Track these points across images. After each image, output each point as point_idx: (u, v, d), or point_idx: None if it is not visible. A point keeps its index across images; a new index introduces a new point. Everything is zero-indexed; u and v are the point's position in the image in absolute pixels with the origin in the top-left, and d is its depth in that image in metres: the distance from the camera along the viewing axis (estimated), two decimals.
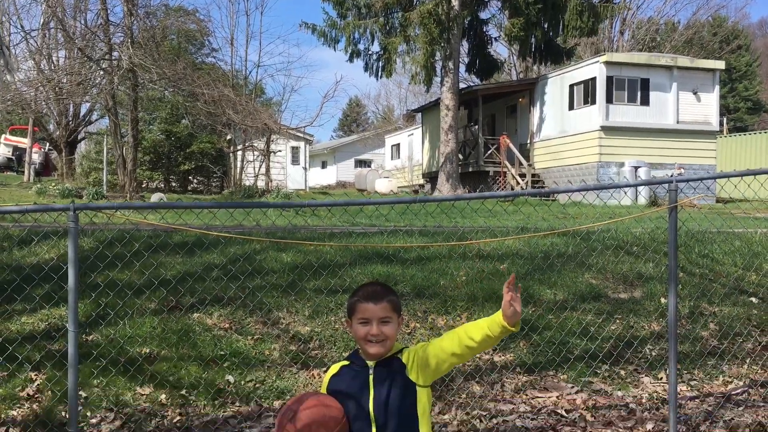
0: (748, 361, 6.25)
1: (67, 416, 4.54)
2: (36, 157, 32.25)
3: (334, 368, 2.76)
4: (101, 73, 22.69)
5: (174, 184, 31.97)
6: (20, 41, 25.32)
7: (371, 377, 2.63)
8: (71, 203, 3.95)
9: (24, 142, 32.88)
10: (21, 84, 22.56)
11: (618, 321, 6.89)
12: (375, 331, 2.59)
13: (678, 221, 4.88)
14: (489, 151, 26.85)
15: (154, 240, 7.78)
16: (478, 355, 6.31)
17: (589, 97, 23.83)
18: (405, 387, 2.62)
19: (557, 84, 25.70)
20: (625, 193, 19.24)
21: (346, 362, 2.74)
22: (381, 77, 27.90)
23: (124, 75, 21.55)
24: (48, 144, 35.90)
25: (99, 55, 23.03)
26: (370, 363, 2.65)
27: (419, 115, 36.66)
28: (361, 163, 46.63)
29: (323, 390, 2.73)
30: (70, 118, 33.14)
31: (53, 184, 24.32)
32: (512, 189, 23.75)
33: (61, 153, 32.14)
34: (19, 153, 35.18)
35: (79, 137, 36.11)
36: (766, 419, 5.13)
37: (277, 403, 5.51)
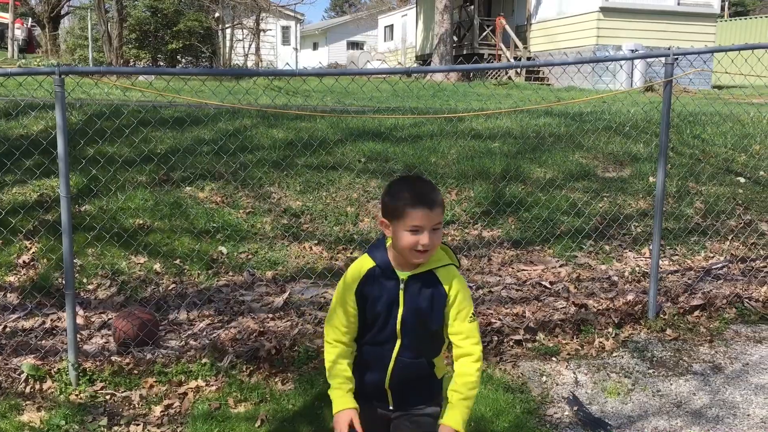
0: (730, 237, 6.38)
1: (63, 281, 4.63)
2: (19, 33, 31.25)
3: (362, 269, 2.39)
4: None
5: (161, 64, 31.21)
6: None
7: (401, 292, 2.35)
8: (57, 66, 3.87)
9: (5, 17, 31.75)
10: None
11: (606, 199, 6.97)
12: (426, 241, 2.24)
13: (672, 97, 4.84)
14: (484, 33, 26.23)
15: (142, 113, 7.70)
16: (465, 230, 6.42)
17: None
18: (436, 317, 2.37)
19: None
20: (620, 83, 19.05)
21: (371, 263, 2.38)
22: None
23: None
24: (30, 19, 34.70)
25: None
26: (402, 275, 2.34)
27: None
28: (354, 45, 45.56)
29: (350, 290, 2.38)
30: None
31: (38, 60, 23.73)
32: (506, 72, 23.33)
33: (45, 29, 31.15)
34: (1, 29, 34.07)
35: (63, 12, 34.88)
36: (743, 290, 5.30)
37: (269, 273, 5.64)
